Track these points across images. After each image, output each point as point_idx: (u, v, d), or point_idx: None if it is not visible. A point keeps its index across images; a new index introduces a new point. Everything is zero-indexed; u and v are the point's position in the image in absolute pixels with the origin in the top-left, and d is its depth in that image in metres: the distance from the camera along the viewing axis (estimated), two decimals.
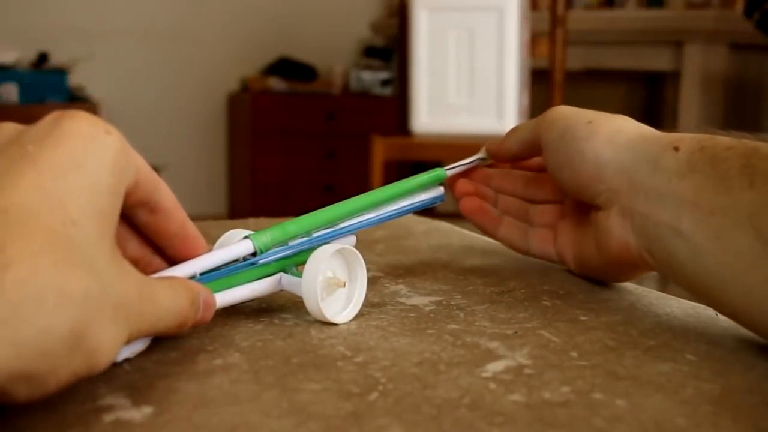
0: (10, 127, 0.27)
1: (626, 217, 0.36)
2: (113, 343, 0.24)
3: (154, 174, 0.30)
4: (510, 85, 1.82)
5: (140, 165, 0.28)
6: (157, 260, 0.32)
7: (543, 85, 1.93)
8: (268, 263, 0.34)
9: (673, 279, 0.35)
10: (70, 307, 0.22)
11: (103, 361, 0.24)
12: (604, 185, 0.37)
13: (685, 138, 0.36)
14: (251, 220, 0.55)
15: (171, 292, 0.28)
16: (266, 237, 0.34)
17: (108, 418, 0.24)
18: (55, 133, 0.26)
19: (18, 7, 3.17)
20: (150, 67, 3.41)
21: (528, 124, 0.43)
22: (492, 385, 0.27)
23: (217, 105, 3.56)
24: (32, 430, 0.23)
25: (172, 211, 0.31)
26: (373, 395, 0.26)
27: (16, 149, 0.25)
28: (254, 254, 0.34)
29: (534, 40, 1.93)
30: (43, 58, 3.07)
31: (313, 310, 0.33)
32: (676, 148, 0.35)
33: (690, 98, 3.20)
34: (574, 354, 0.30)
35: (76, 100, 3.05)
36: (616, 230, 0.37)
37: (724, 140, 0.34)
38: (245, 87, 3.46)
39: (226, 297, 0.32)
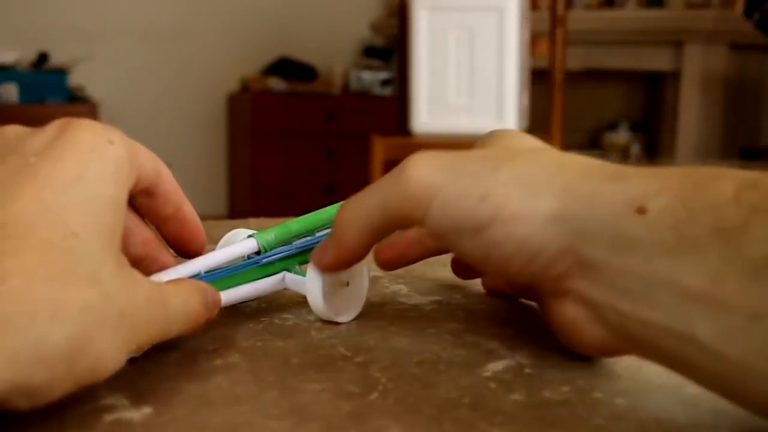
0: (14, 131, 0.27)
1: (589, 307, 0.26)
2: (117, 352, 0.24)
3: (156, 163, 0.30)
4: (510, 85, 1.82)
5: (143, 162, 0.28)
6: (162, 257, 0.32)
7: (543, 85, 1.93)
8: (271, 262, 0.34)
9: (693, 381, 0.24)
10: (67, 318, 0.22)
11: (106, 369, 0.23)
12: (545, 276, 0.27)
13: (649, 186, 0.24)
14: (251, 220, 0.55)
15: (181, 296, 0.28)
16: (270, 236, 0.34)
17: (108, 418, 0.24)
18: (58, 144, 0.25)
19: (18, 7, 3.17)
20: (150, 67, 3.41)
21: (373, 201, 0.29)
22: (492, 385, 0.27)
23: (217, 105, 3.56)
24: (32, 430, 0.23)
25: (169, 195, 0.31)
26: (373, 395, 0.26)
27: (18, 159, 0.25)
28: (258, 253, 0.34)
29: (534, 40, 1.93)
30: (43, 58, 3.07)
31: (317, 308, 0.33)
32: (641, 210, 0.24)
33: (690, 98, 3.20)
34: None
35: (76, 100, 3.06)
36: (579, 323, 0.27)
37: (720, 188, 0.23)
38: (245, 87, 3.47)
39: (229, 295, 0.32)
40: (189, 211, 0.32)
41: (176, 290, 0.28)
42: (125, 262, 0.26)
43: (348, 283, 0.35)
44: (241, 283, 0.33)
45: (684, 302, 0.23)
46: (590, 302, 0.26)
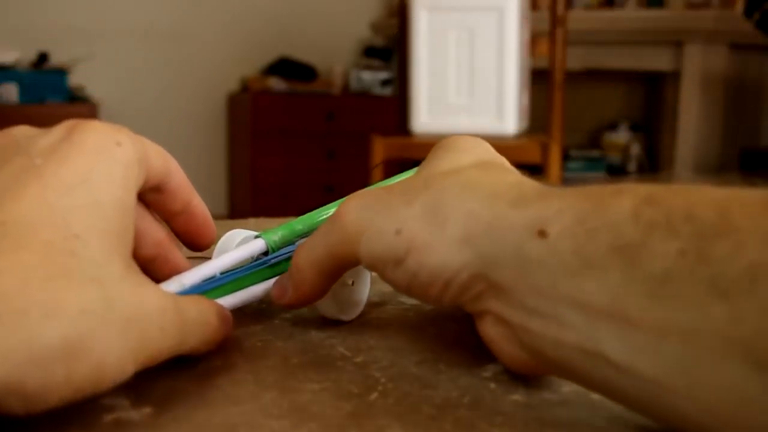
0: (22, 132, 0.27)
1: (505, 327, 0.26)
2: (123, 361, 0.23)
3: (166, 160, 0.29)
4: (510, 85, 1.82)
5: (152, 161, 0.28)
6: (174, 257, 0.31)
7: (543, 85, 1.93)
8: (278, 262, 0.34)
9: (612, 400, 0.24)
10: (62, 318, 0.21)
11: (109, 378, 0.23)
12: (463, 298, 0.27)
13: (551, 209, 0.24)
14: (251, 220, 0.55)
15: (198, 308, 0.27)
16: (276, 236, 0.34)
17: (108, 418, 0.24)
18: (64, 147, 0.25)
19: (18, 7, 3.17)
20: (150, 67, 3.41)
21: (320, 247, 0.30)
22: (492, 385, 0.27)
23: (217, 105, 3.56)
24: (32, 429, 0.23)
25: (178, 190, 0.30)
26: (373, 395, 0.26)
27: (24, 160, 0.25)
28: (266, 253, 0.34)
29: (534, 40, 1.93)
30: (43, 58, 3.07)
31: (323, 307, 0.33)
32: (542, 233, 0.24)
33: (690, 98, 3.20)
34: None
35: (76, 100, 3.06)
36: (499, 343, 0.27)
37: (618, 206, 0.23)
38: (245, 87, 3.47)
39: (243, 296, 0.32)
40: (198, 205, 0.32)
41: (192, 301, 0.27)
42: (135, 268, 0.25)
43: (352, 283, 0.35)
44: (252, 284, 0.33)
45: (591, 321, 0.23)
46: (505, 323, 0.26)
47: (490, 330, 0.27)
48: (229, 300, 0.32)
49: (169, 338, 0.25)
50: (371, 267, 0.29)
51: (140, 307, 0.24)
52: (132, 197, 0.26)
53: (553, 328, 0.24)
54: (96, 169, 0.25)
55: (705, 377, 0.20)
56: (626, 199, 0.23)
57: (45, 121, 0.27)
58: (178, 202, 0.31)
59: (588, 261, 0.23)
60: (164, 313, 0.25)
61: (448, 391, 0.27)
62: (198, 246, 0.33)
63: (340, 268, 0.30)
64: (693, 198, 0.22)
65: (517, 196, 0.26)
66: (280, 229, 0.35)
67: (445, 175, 0.29)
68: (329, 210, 0.37)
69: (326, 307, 0.33)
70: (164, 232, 0.32)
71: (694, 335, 0.20)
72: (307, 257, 0.30)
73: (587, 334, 0.23)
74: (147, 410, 0.25)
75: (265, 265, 0.34)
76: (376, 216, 0.28)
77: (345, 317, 0.34)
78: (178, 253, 0.32)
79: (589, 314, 0.23)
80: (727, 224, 0.21)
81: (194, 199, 0.31)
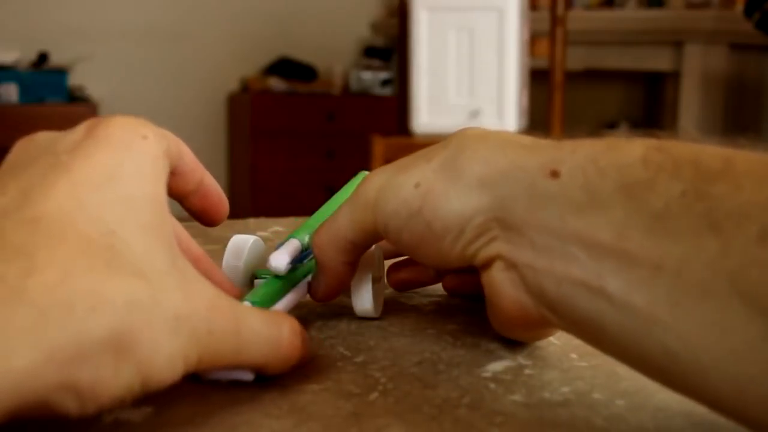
0: (44, 135, 0.26)
1: (512, 270, 0.26)
2: (172, 356, 0.22)
3: (178, 144, 0.29)
4: (510, 85, 1.82)
5: (172, 151, 0.28)
6: (215, 276, 0.30)
7: (543, 85, 1.93)
8: (310, 259, 0.34)
9: (605, 351, 0.25)
10: (108, 311, 0.21)
11: (159, 374, 0.22)
12: (474, 246, 0.27)
13: (564, 150, 0.26)
14: (251, 220, 0.55)
15: (261, 315, 0.26)
16: (305, 236, 0.34)
17: (108, 417, 0.24)
18: (89, 143, 0.25)
19: (18, 7, 3.17)
20: (150, 67, 3.41)
21: (341, 218, 0.31)
22: (492, 385, 0.27)
23: (217, 105, 3.56)
24: (31, 429, 0.23)
25: (189, 171, 0.30)
26: (373, 395, 0.26)
27: (49, 158, 0.24)
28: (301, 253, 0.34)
29: (534, 40, 1.94)
30: (43, 58, 3.07)
31: (363, 306, 0.33)
32: (554, 173, 0.25)
33: (690, 98, 3.20)
34: (574, 356, 0.30)
35: (76, 100, 3.06)
36: (503, 289, 0.27)
37: (630, 149, 0.24)
38: (245, 87, 3.47)
39: (291, 299, 0.32)
40: (210, 183, 0.31)
41: (258, 311, 0.26)
42: (183, 263, 0.24)
43: (380, 278, 0.35)
44: (296, 284, 0.33)
45: (596, 257, 0.23)
46: (513, 264, 0.26)
47: (496, 275, 0.27)
48: (284, 303, 0.31)
49: (221, 342, 0.24)
50: (384, 226, 0.29)
51: (189, 306, 0.23)
52: (162, 190, 0.26)
53: (559, 264, 0.24)
54: (124, 164, 0.25)
55: (691, 308, 0.21)
56: (638, 145, 0.24)
57: (45, 121, 0.27)
58: (191, 182, 0.30)
59: (595, 197, 0.24)
60: (215, 314, 0.24)
61: (448, 391, 0.27)
62: (214, 222, 0.32)
63: (362, 239, 0.31)
64: (700, 149, 0.23)
65: (531, 143, 0.27)
66: (303, 229, 0.35)
67: (462, 134, 0.30)
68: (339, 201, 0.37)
69: (365, 303, 0.33)
70: (201, 250, 0.31)
71: (686, 268, 0.21)
72: (328, 233, 0.31)
73: (592, 269, 0.23)
74: (147, 410, 0.25)
75: (301, 264, 0.33)
76: (396, 175, 0.29)
77: (377, 314, 0.34)
78: (217, 269, 0.31)
79: (594, 250, 0.23)
80: (728, 170, 0.22)
81: (205, 177, 0.31)
